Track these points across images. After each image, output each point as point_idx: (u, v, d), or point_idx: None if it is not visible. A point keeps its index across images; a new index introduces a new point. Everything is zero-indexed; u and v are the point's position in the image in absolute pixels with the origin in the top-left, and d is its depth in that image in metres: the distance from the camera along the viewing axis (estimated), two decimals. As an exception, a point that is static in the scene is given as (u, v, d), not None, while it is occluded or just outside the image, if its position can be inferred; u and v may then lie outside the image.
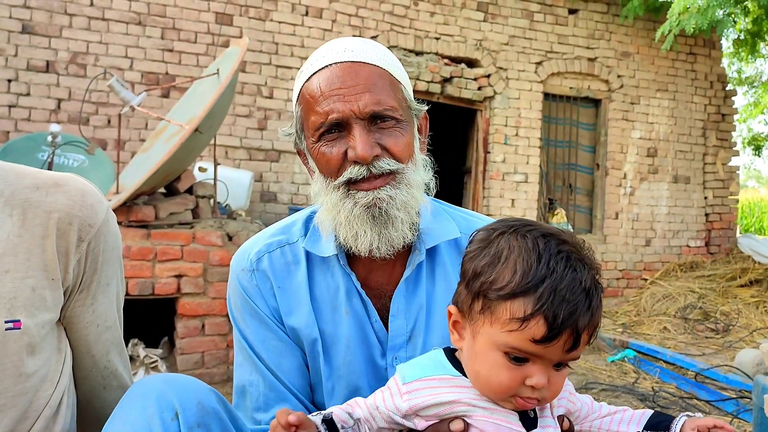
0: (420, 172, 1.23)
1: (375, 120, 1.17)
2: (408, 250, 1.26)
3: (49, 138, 4.43)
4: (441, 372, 1.03)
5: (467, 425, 0.99)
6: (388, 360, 1.27)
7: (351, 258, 1.28)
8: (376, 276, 1.28)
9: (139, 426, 1.04)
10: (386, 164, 1.17)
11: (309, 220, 1.35)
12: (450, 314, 1.03)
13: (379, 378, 1.27)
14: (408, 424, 1.03)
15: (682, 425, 1.09)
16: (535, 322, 0.89)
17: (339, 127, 1.17)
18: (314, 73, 1.20)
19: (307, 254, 1.30)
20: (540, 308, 0.89)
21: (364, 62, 1.18)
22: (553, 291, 0.89)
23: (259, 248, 1.31)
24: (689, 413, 1.12)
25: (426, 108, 1.27)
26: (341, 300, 1.27)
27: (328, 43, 1.25)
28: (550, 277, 0.90)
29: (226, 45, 5.86)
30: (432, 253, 1.30)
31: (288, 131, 1.30)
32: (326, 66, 1.19)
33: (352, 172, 1.16)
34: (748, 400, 3.94)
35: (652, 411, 1.14)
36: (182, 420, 1.07)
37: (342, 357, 1.26)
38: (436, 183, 1.30)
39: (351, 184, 1.18)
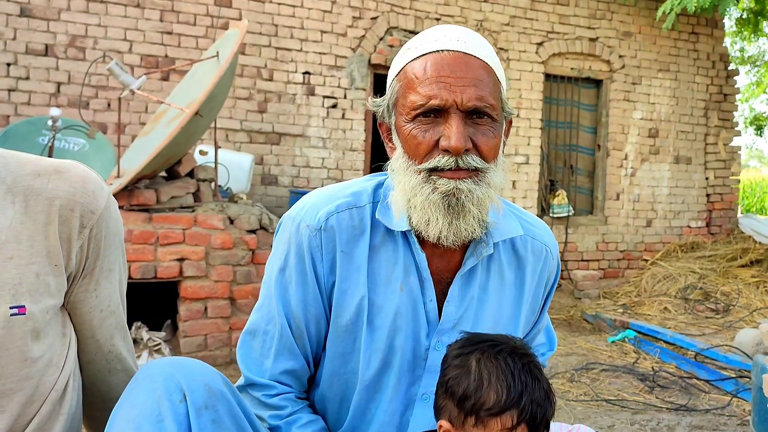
0: (500, 174, 1.24)
1: (472, 115, 1.18)
2: (470, 240, 1.29)
3: (50, 122, 4.42)
4: None
5: None
6: (431, 342, 1.30)
7: (418, 238, 1.30)
8: (437, 261, 1.31)
9: (148, 409, 1.07)
10: (473, 161, 1.18)
11: (378, 187, 1.35)
12: (441, 427, 1.18)
13: (416, 356, 1.30)
14: None
15: None
16: (521, 429, 1.13)
17: (436, 113, 1.18)
18: (423, 55, 1.21)
19: (372, 222, 1.31)
20: (524, 418, 1.12)
21: (476, 56, 1.20)
22: (531, 402, 1.13)
23: (329, 209, 1.30)
24: None
25: (515, 112, 1.30)
26: (398, 275, 1.29)
27: (440, 29, 1.25)
28: (525, 392, 1.13)
29: (225, 27, 5.83)
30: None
31: (378, 103, 1.31)
32: (438, 51, 1.19)
33: (440, 161, 1.17)
34: (748, 379, 3.97)
35: None
36: (190, 402, 1.09)
37: (386, 330, 1.28)
38: None
39: (434, 171, 1.19)
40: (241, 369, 1.36)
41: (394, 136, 1.27)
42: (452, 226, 1.19)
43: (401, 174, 1.22)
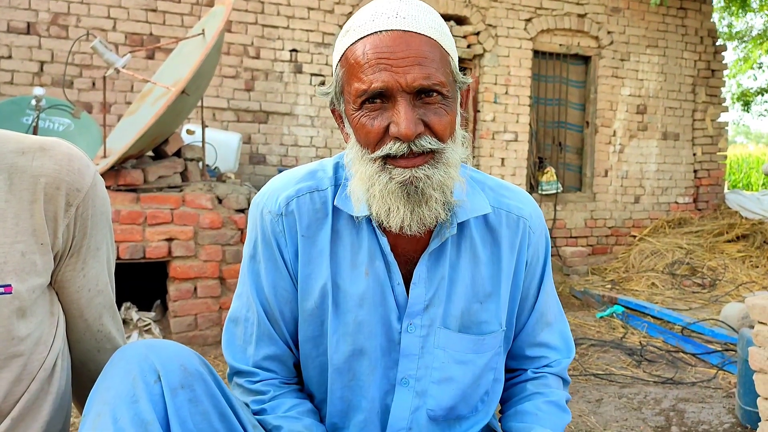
0: (459, 150, 1.18)
1: (420, 95, 1.11)
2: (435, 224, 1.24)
3: (33, 102, 4.36)
4: None
5: None
6: (403, 325, 1.28)
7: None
8: (403, 242, 1.27)
9: (123, 390, 1.06)
10: (428, 143, 1.12)
11: (337, 168, 1.32)
12: None
13: (390, 340, 1.28)
14: None
15: None
16: None
17: (382, 98, 1.11)
18: (362, 38, 1.13)
19: (335, 206, 1.27)
20: None
21: (416, 32, 1.11)
22: None
23: (289, 193, 1.28)
24: None
25: (470, 81, 1.22)
26: (362, 260, 1.26)
27: (377, 5, 1.17)
28: None
29: (210, 4, 5.75)
30: (461, 226, 1.28)
31: (325, 90, 1.24)
32: (375, 32, 1.11)
33: (392, 148, 1.11)
34: (733, 352, 4.02)
35: None
36: (165, 382, 1.09)
37: (353, 315, 1.26)
38: None
39: (388, 158, 1.13)
40: (226, 357, 1.36)
41: (346, 124, 1.22)
42: (415, 214, 1.15)
43: (357, 163, 1.18)
